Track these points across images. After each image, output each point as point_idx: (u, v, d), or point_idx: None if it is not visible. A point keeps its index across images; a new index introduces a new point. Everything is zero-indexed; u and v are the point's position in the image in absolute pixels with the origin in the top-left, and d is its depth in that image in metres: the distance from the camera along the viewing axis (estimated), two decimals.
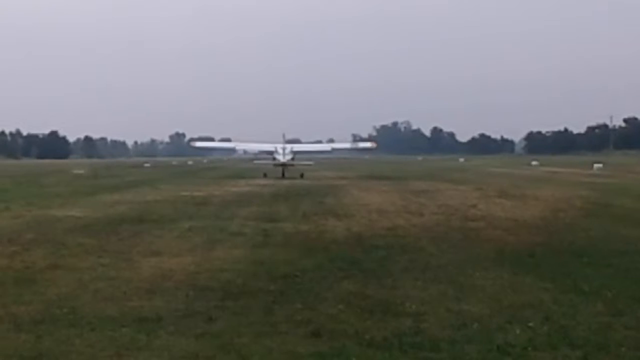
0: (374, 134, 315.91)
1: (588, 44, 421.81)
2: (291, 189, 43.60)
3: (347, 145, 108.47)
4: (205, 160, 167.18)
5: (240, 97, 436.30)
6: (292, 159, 67.00)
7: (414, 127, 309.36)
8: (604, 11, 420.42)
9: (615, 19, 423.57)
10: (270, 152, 69.81)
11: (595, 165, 77.84)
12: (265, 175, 61.25)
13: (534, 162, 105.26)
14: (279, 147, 67.86)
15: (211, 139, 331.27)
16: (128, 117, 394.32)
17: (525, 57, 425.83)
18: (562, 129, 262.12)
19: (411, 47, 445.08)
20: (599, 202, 30.88)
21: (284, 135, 72.84)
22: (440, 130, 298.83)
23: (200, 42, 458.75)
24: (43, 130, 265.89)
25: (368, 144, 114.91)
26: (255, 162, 79.21)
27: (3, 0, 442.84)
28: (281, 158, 65.63)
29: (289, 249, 17.33)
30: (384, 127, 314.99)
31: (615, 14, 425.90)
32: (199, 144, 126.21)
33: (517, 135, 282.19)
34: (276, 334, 9.53)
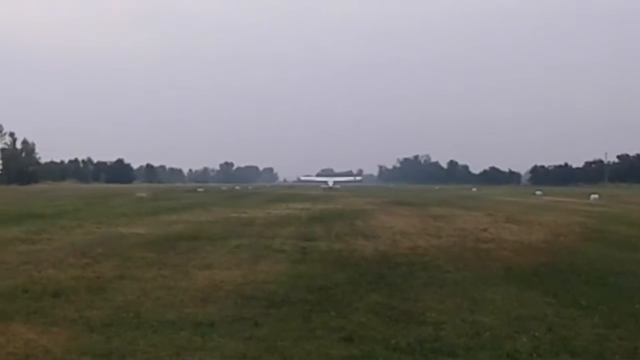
0: (398, 165, 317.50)
1: (587, 89, 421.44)
2: (325, 212, 43.54)
3: (351, 178, 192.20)
4: (250, 187, 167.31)
5: (281, 132, 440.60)
6: (334, 184, 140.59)
7: (433, 160, 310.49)
8: (603, 61, 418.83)
9: (612, 68, 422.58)
10: (326, 182, 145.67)
11: (592, 196, 77.00)
12: (324, 189, 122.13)
13: (537, 192, 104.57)
14: (328, 179, 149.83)
15: (255, 168, 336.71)
16: (184, 148, 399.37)
17: (531, 100, 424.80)
18: (562, 163, 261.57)
19: (430, 91, 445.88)
20: (596, 228, 30.57)
21: (323, 170, 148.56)
22: (456, 163, 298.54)
23: (241, 83, 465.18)
24: (110, 158, 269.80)
25: (359, 178, 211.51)
26: (322, 186, 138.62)
27: (67, 45, 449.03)
28: (329, 185, 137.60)
29: (324, 265, 17.30)
30: (406, 159, 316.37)
31: (612, 65, 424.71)
32: (303, 177, 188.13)
33: (523, 169, 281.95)
34: (313, 338, 9.55)
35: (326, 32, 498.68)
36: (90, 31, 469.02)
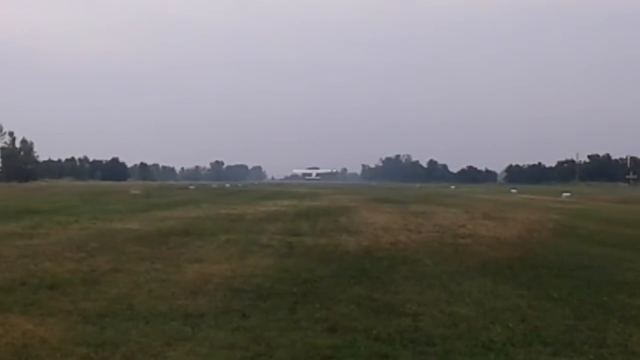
0: (380, 164, 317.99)
1: (559, 93, 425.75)
2: (311, 209, 43.50)
3: (329, 170, 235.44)
4: (239, 184, 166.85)
5: (269, 132, 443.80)
6: (317, 176, 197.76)
7: (414, 159, 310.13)
8: (576, 67, 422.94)
9: (584, 75, 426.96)
10: (310, 175, 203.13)
11: (564, 194, 77.46)
12: (309, 180, 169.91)
13: (512, 190, 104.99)
14: (312, 172, 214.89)
15: (245, 167, 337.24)
16: (176, 147, 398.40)
17: (507, 106, 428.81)
18: (536, 163, 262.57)
19: (412, 97, 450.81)
20: (567, 224, 30.73)
21: (309, 167, 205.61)
22: (435, 162, 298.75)
23: (232, 87, 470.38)
24: (106, 157, 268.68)
25: (335, 170, 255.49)
26: (306, 177, 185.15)
27: (71, 55, 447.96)
28: (313, 177, 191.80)
29: (310, 259, 17.30)
30: (388, 159, 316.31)
31: (585, 71, 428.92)
32: (296, 171, 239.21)
33: (499, 168, 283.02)
34: (299, 329, 9.55)
35: (312, 38, 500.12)
36: (91, 36, 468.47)
